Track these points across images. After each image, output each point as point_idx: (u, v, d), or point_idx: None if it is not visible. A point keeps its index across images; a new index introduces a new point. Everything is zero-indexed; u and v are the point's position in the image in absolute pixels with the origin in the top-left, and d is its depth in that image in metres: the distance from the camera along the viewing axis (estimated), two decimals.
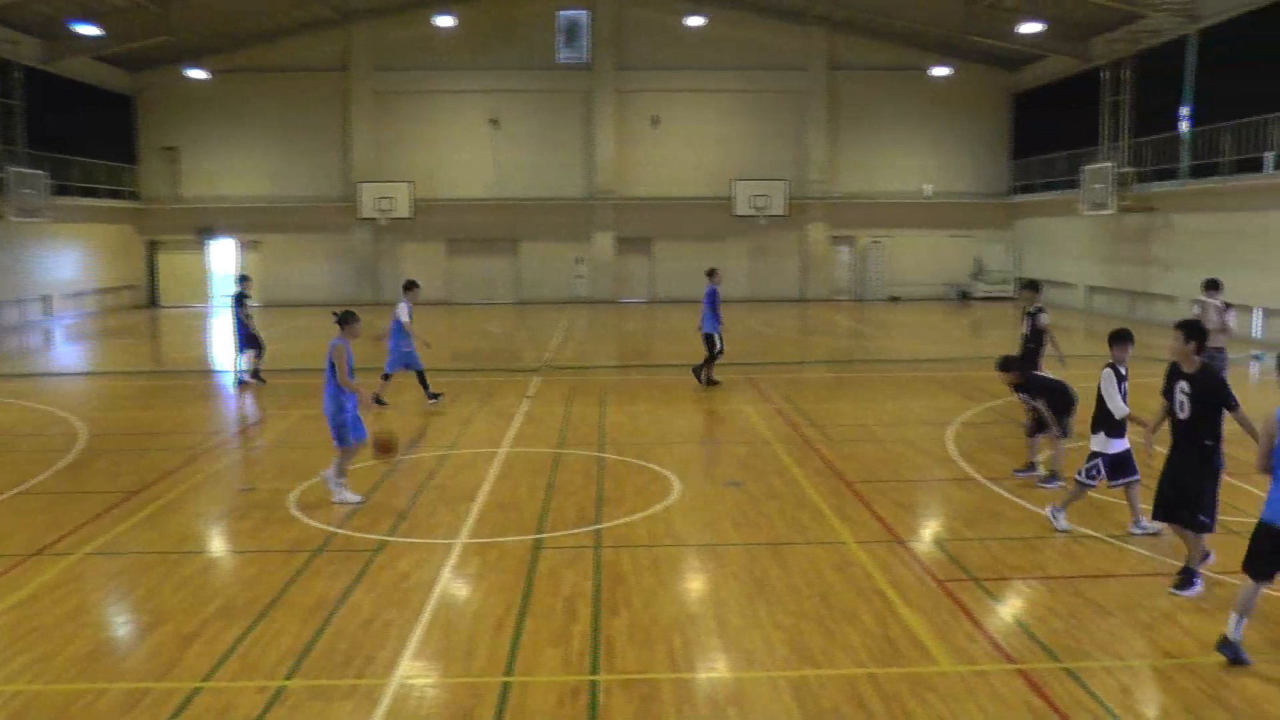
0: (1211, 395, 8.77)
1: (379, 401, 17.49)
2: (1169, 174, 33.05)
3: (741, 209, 43.65)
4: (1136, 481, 10.55)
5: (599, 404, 18.42)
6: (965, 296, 45.14)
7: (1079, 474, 10.68)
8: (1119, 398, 10.38)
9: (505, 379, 21.55)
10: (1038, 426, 12.74)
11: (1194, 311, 16.11)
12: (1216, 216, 30.84)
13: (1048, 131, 41.89)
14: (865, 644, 7.80)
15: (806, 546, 10.20)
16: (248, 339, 20.85)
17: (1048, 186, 41.80)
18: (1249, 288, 28.08)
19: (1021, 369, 12.86)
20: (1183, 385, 8.92)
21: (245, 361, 21.06)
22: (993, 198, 46.16)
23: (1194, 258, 31.62)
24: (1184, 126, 32.79)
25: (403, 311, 18.15)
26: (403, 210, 42.91)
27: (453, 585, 9.17)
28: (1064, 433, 12.57)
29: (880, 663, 7.47)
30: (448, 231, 44.16)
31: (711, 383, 20.23)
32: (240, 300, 20.86)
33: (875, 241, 45.62)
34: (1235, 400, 8.70)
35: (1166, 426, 9.30)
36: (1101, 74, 37.04)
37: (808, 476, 13.08)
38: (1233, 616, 7.44)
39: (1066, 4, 34.65)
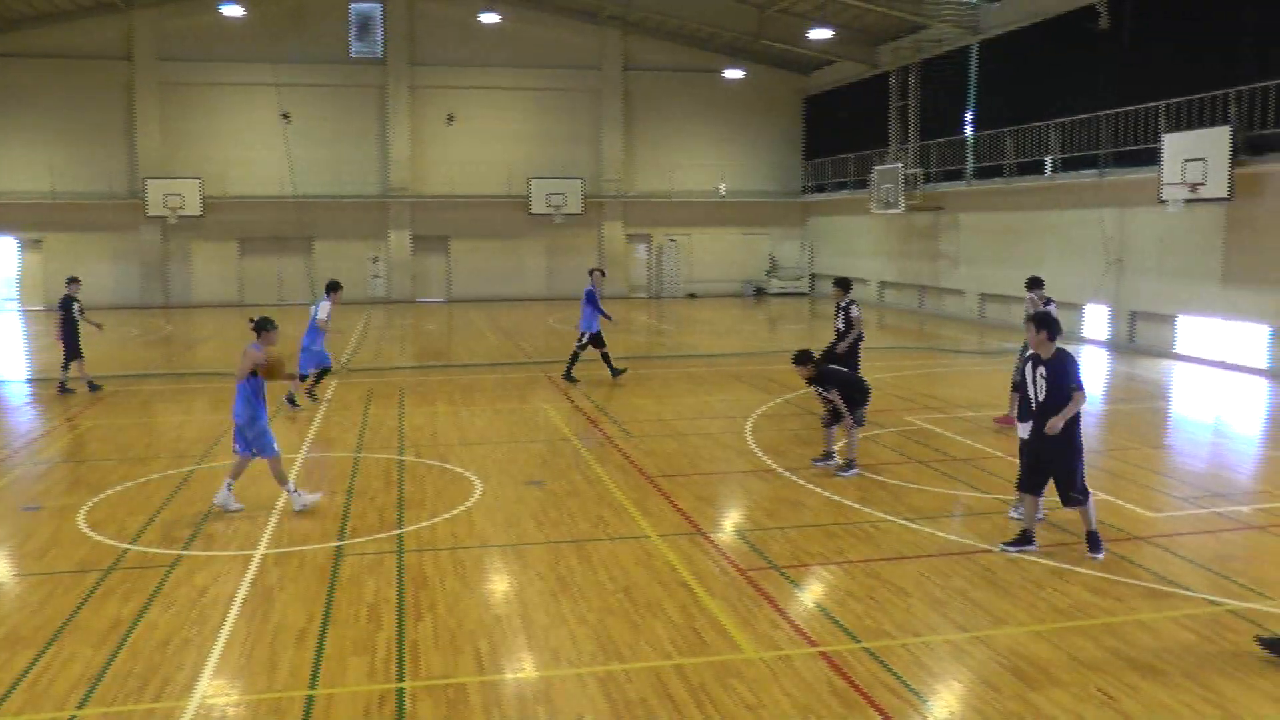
0: (1063, 379, 9.50)
1: (292, 403, 17.65)
2: (955, 175, 34.72)
3: (538, 207, 43.61)
4: None
5: (398, 405, 18.15)
6: (761, 292, 46.21)
7: None
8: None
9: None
10: (833, 417, 13.15)
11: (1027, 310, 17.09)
12: (1000, 215, 32.52)
13: (839, 133, 43.37)
14: (670, 635, 7.90)
15: (609, 542, 10.27)
16: (75, 346, 19.57)
17: (839, 186, 43.26)
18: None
19: (829, 360, 13.34)
20: (1041, 370, 9.64)
21: (75, 370, 19.74)
22: (786, 196, 47.43)
23: (980, 254, 33.27)
24: (968, 130, 34.44)
25: (321, 310, 18.04)
26: (193, 208, 41.06)
27: (252, 598, 8.83)
28: (858, 422, 13.02)
29: (686, 653, 7.57)
30: (240, 230, 42.58)
31: (570, 379, 20.49)
32: (68, 304, 19.61)
33: (671, 240, 46.28)
34: (1081, 384, 9.49)
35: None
36: (890, 79, 38.53)
37: (609, 472, 13.17)
38: None
39: (855, 12, 35.87)
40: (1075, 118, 28.01)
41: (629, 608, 8.48)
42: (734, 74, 44.04)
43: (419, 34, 43.38)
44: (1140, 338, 27.00)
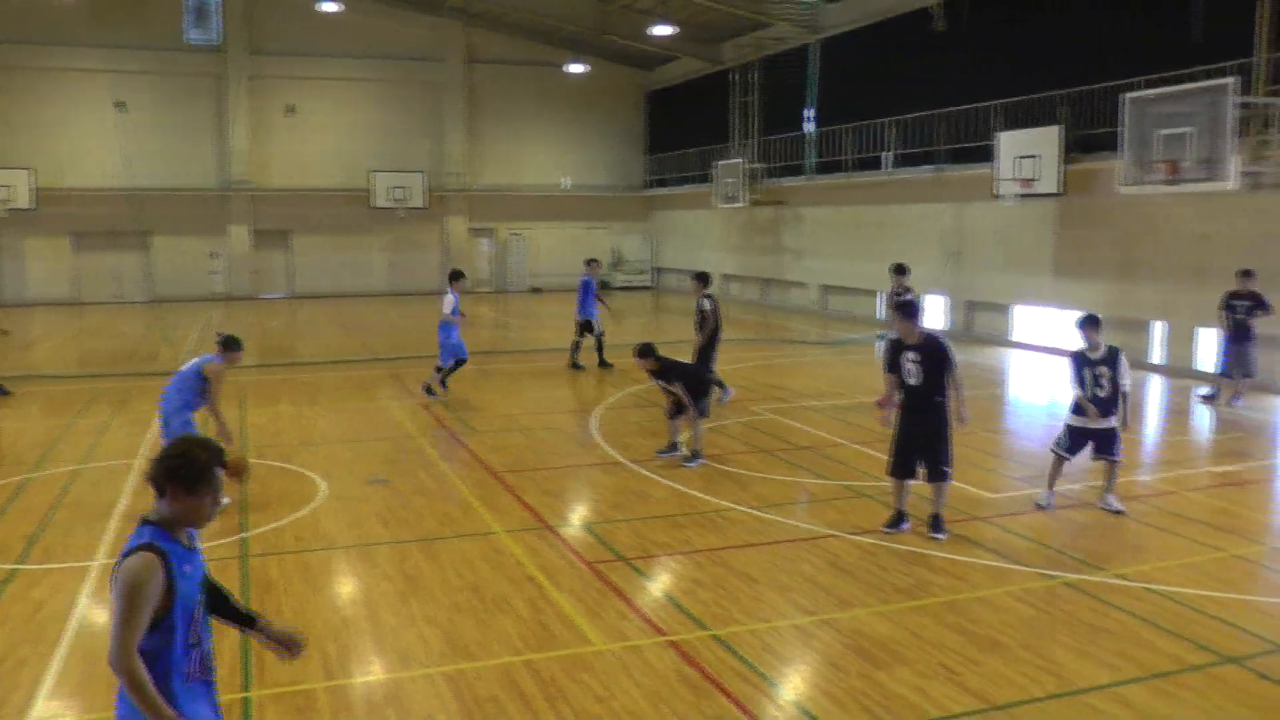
0: (938, 359, 9.97)
1: (429, 392, 18.20)
2: (796, 170, 35.42)
3: (380, 201, 42.90)
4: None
5: (239, 406, 17.62)
6: (605, 286, 46.18)
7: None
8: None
9: (140, 384, 20.15)
10: (677, 409, 13.26)
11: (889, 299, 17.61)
12: (841, 209, 33.25)
13: (682, 128, 43.78)
14: (519, 631, 7.87)
15: (456, 540, 10.17)
16: None
17: (682, 180, 43.65)
18: (873, 274, 30.50)
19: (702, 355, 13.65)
20: (910, 355, 10.06)
21: None
22: (630, 191, 47.68)
23: (822, 248, 33.96)
24: (809, 127, 35.10)
25: (445, 304, 17.85)
26: (23, 200, 38.85)
27: (93, 611, 8.44)
28: (701, 413, 13.17)
29: (535, 648, 7.55)
30: (74, 224, 40.35)
31: (576, 366, 21.11)
32: None
33: (515, 234, 46.06)
34: (955, 362, 10.04)
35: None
36: (731, 76, 39.02)
37: (455, 469, 13.06)
38: None
39: (696, 9, 36.14)
40: (913, 115, 28.85)
41: (477, 605, 8.42)
42: (577, 68, 44.04)
43: (258, 22, 42.06)
44: (978, 327, 27.95)
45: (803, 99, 35.30)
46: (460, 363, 18.37)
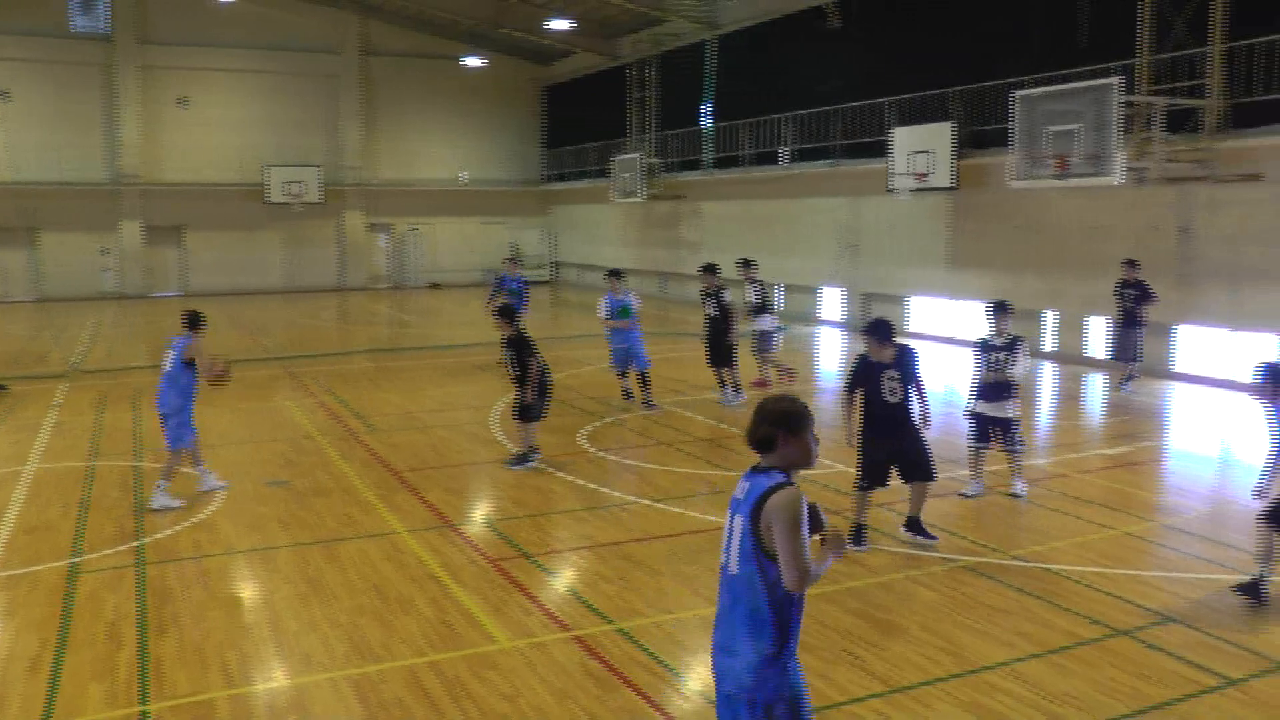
0: (912, 372, 9.89)
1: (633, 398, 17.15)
2: (694, 165, 35.57)
3: (276, 196, 42.11)
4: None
5: (133, 409, 17.20)
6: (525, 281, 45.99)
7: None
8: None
9: (28, 387, 19.59)
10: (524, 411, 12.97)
11: (750, 298, 17.84)
12: (739, 204, 33.52)
13: (580, 122, 43.70)
14: (424, 631, 7.81)
15: (358, 540, 10.05)
16: None
17: (580, 175, 43.61)
18: (771, 268, 30.69)
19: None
20: (890, 373, 9.78)
21: None
22: (527, 185, 47.51)
23: (720, 241, 34.14)
24: (706, 122, 35.28)
25: (601, 308, 17.01)
26: None
27: None
28: (535, 415, 12.94)
29: (440, 648, 7.50)
30: None
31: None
32: None
33: (413, 228, 45.62)
34: (919, 377, 10.04)
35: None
36: (629, 71, 39.06)
37: (355, 469, 12.90)
38: None
39: (594, 4, 36.16)
40: (809, 111, 29.20)
41: (380, 606, 8.34)
42: (474, 62, 43.75)
43: (148, 9, 40.85)
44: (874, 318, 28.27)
45: (700, 94, 35.51)
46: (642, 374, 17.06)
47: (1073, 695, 6.77)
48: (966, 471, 11.78)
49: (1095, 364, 21.57)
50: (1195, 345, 19.85)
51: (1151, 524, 10.70)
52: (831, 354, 24.75)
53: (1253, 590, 8.30)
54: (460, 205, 45.98)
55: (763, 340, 18.15)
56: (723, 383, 17.12)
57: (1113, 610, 8.24)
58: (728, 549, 4.64)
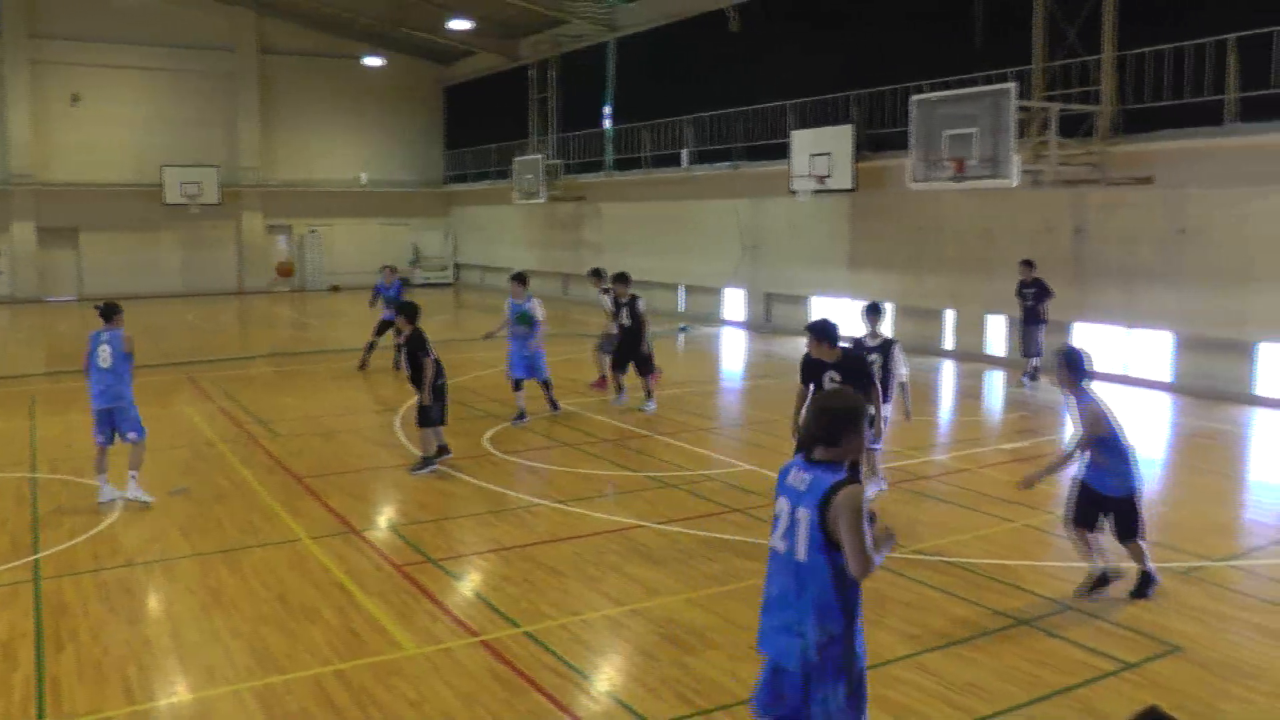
0: (861, 376, 10.05)
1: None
2: (595, 166, 35.59)
3: (173, 197, 41.00)
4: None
5: (28, 416, 16.71)
6: (406, 283, 45.49)
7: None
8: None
9: None
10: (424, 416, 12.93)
11: (608, 307, 17.82)
12: (641, 205, 33.59)
13: (481, 123, 43.53)
14: (328, 640, 7.70)
15: (260, 548, 9.88)
16: None
17: (481, 176, 43.44)
18: (674, 269, 31.00)
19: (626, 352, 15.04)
20: (832, 374, 10.04)
21: None
22: (428, 186, 47.20)
23: (622, 243, 34.24)
24: (607, 124, 35.29)
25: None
26: None
27: None
28: (435, 419, 12.89)
29: (345, 656, 7.41)
30: None
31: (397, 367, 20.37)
32: None
33: (313, 231, 44.97)
34: (875, 379, 10.32)
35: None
36: (530, 72, 38.95)
37: (257, 476, 12.68)
38: None
39: (494, 5, 35.90)
40: (709, 113, 29.40)
41: (284, 615, 8.20)
42: (374, 62, 43.30)
43: (39, 3, 39.52)
44: (776, 318, 28.62)
45: (601, 96, 35.57)
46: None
47: (975, 685, 6.91)
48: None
49: (995, 361, 22.05)
50: (1091, 342, 20.35)
51: (1050, 516, 10.92)
52: (733, 355, 24.93)
53: (1102, 581, 8.48)
54: (361, 206, 45.48)
55: (606, 343, 18.28)
56: (620, 388, 17.01)
57: (1013, 600, 8.43)
58: (790, 536, 5.01)
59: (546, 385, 16.23)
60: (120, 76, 41.33)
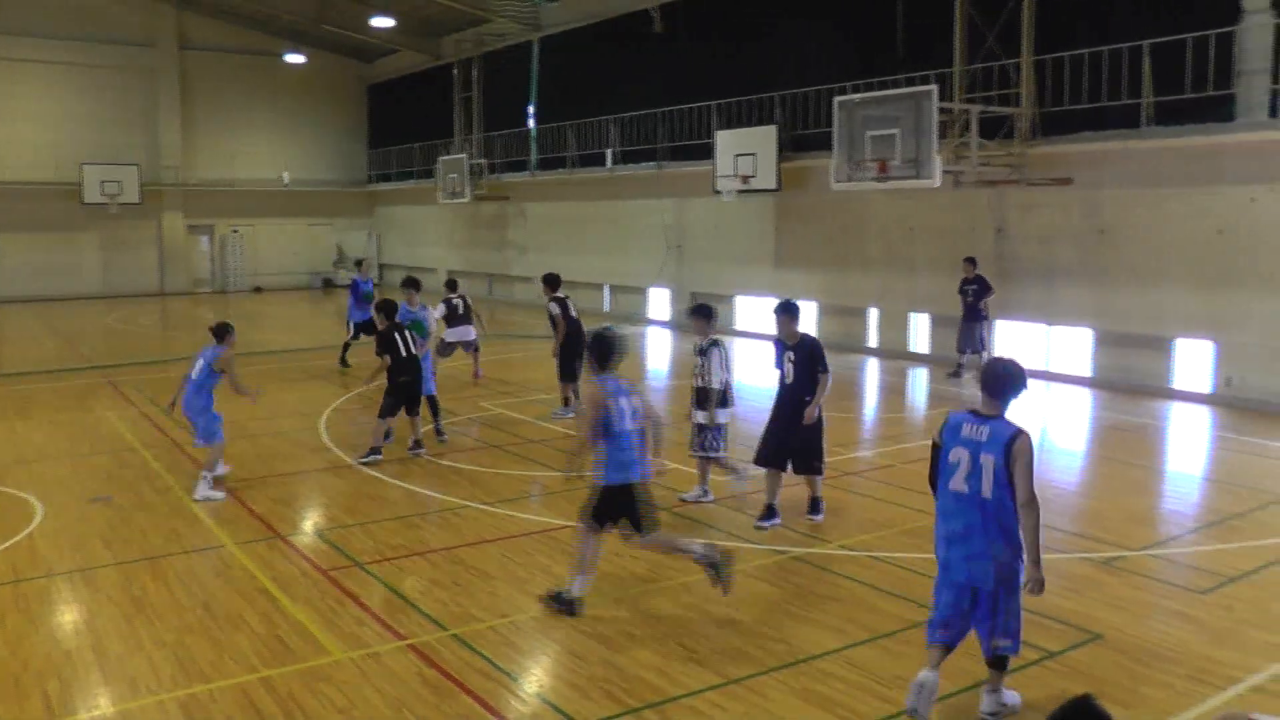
0: (815, 361, 10.23)
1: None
2: (520, 166, 35.45)
3: (92, 196, 40.16)
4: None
5: None
6: (329, 284, 45.22)
7: (694, 449, 11.30)
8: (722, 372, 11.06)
9: None
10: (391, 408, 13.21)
11: (440, 312, 18.72)
12: (566, 205, 33.60)
13: (404, 122, 43.22)
14: (254, 647, 7.62)
15: (185, 556, 9.74)
16: None
17: (405, 175, 43.14)
18: (599, 269, 31.05)
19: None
20: (789, 355, 10.33)
21: None
22: (352, 186, 46.80)
23: (547, 243, 34.27)
24: (531, 123, 35.21)
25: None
26: None
27: None
28: (384, 411, 13.16)
29: (272, 664, 7.33)
30: None
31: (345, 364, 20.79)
32: None
33: (235, 230, 44.37)
34: (828, 365, 10.31)
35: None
36: (453, 71, 38.76)
37: (180, 482, 12.47)
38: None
39: (416, 2, 35.69)
40: (634, 114, 29.45)
41: (210, 624, 8.09)
42: (296, 59, 42.87)
43: None
44: None
45: (526, 95, 35.48)
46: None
47: (903, 677, 6.99)
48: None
49: (918, 359, 22.36)
50: (1012, 339, 20.71)
51: None
52: (658, 354, 25.00)
53: (567, 606, 8.19)
54: (283, 206, 44.96)
55: (467, 346, 19.32)
56: (567, 400, 16.80)
57: None
58: (975, 478, 6.22)
59: (434, 407, 14.75)
60: (35, 71, 40.41)
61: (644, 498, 8.19)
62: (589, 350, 8.37)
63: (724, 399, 11.07)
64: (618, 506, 8.10)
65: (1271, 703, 5.74)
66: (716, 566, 8.13)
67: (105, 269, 41.82)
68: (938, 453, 6.52)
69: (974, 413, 6.33)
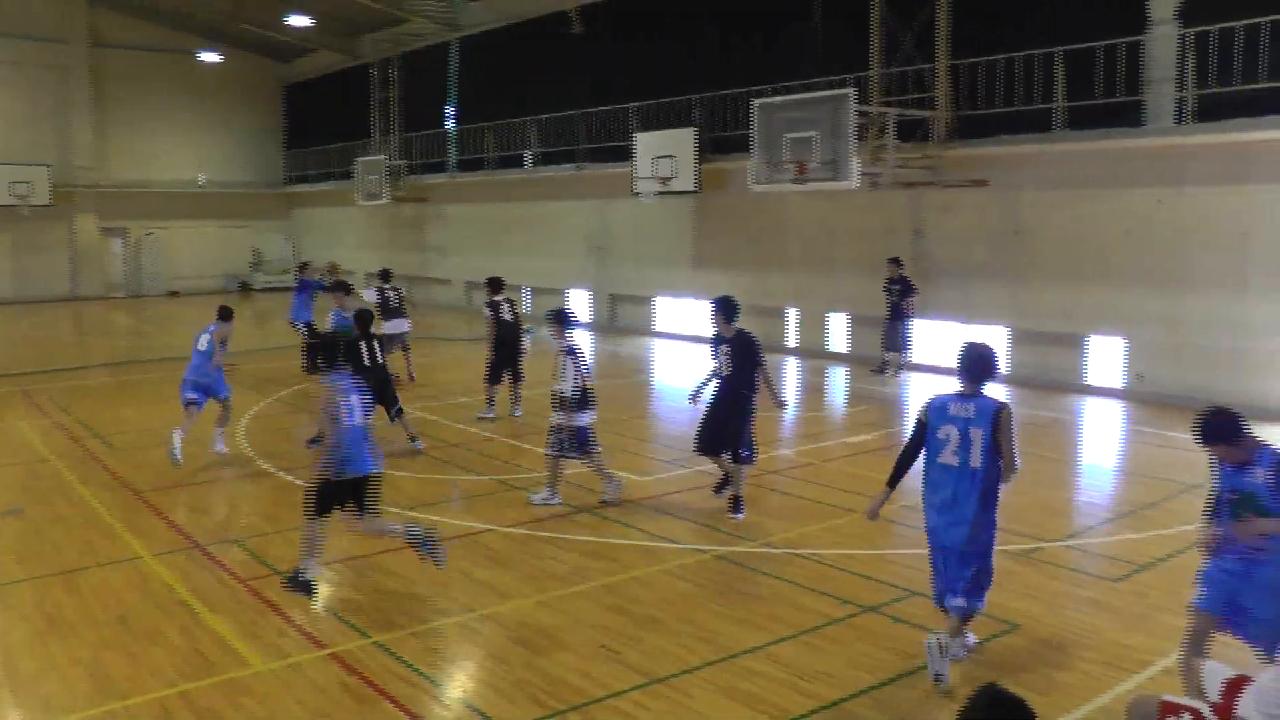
0: (749, 355, 10.69)
1: None
2: (439, 167, 35.23)
3: (1, 198, 38.98)
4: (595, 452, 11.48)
5: None
6: (246, 287, 44.60)
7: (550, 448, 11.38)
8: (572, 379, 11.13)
9: None
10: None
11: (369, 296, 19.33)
12: (486, 206, 33.50)
13: (322, 123, 42.73)
14: (173, 661, 7.49)
15: (100, 569, 9.52)
16: None
17: (323, 177, 42.66)
18: (519, 270, 30.96)
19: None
20: (724, 348, 10.76)
21: None
22: (269, 187, 46.20)
23: (467, 245, 34.14)
24: (450, 124, 34.98)
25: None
26: None
27: None
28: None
29: (191, 677, 7.20)
30: None
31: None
32: None
33: (149, 233, 43.54)
34: (763, 360, 10.80)
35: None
36: (371, 71, 38.40)
37: (95, 493, 12.23)
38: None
39: (334, 1, 35.30)
40: (553, 115, 29.41)
41: (126, 638, 7.92)
42: (211, 58, 42.05)
43: None
44: (622, 318, 28.84)
45: (445, 96, 35.27)
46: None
47: (825, 672, 7.12)
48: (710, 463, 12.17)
49: (837, 358, 22.60)
50: (931, 338, 21.01)
51: (894, 506, 11.17)
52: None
53: (303, 587, 8.66)
54: (199, 208, 44.19)
55: (398, 341, 19.26)
56: (491, 401, 16.66)
57: (860, 589, 8.72)
58: (964, 451, 6.96)
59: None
60: None
61: (371, 488, 8.76)
62: (319, 352, 9.19)
63: (585, 401, 11.25)
64: (346, 494, 8.64)
65: (1181, 684, 5.91)
66: (424, 542, 8.72)
67: (15, 273, 40.69)
68: (923, 430, 7.20)
69: (957, 394, 7.10)
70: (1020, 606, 8.28)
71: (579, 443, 11.22)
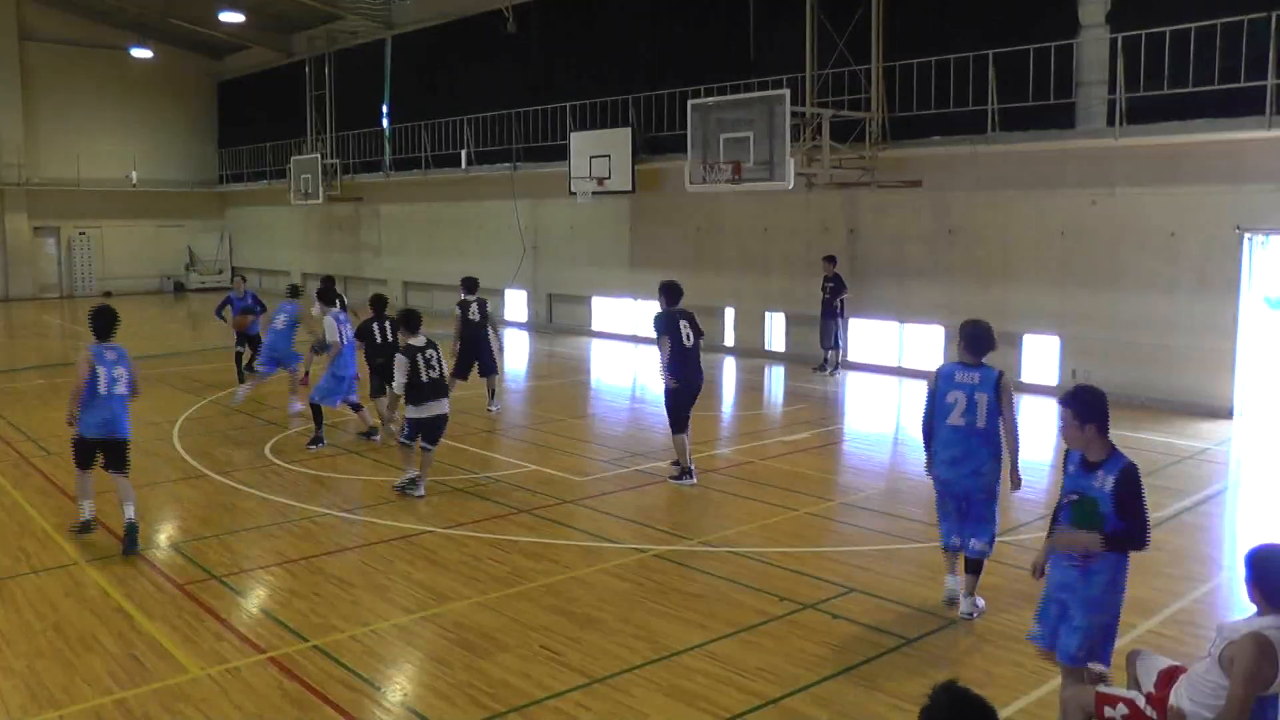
0: (695, 325, 12.21)
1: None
2: (374, 166, 34.97)
3: None
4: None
5: None
6: (180, 288, 44.04)
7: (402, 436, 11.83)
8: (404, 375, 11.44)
9: None
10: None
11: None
12: (421, 206, 33.39)
13: (256, 121, 42.22)
14: (109, 669, 7.39)
15: (34, 576, 9.37)
16: None
17: (257, 176, 42.18)
18: (454, 270, 30.69)
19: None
20: (684, 322, 12.07)
21: None
22: (203, 186, 45.59)
23: (402, 244, 33.95)
24: (385, 123, 34.75)
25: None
26: None
27: None
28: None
29: (127, 685, 7.12)
30: None
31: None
32: None
33: (82, 233, 42.84)
34: (663, 330, 11.96)
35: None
36: (305, 68, 38.06)
37: (28, 497, 12.07)
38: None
39: None
40: (489, 114, 29.31)
41: (61, 646, 7.80)
42: (143, 53, 41.31)
43: None
44: (558, 318, 28.86)
45: (379, 95, 35.02)
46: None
47: (765, 669, 7.20)
48: (649, 462, 12.29)
49: (775, 357, 22.76)
50: (867, 336, 21.23)
51: (832, 503, 11.46)
52: (516, 355, 24.92)
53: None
54: (132, 207, 43.49)
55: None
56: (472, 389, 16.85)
57: (799, 586, 8.82)
58: (971, 413, 7.91)
59: (315, 410, 14.86)
60: None
61: (122, 447, 10.17)
62: (90, 321, 10.78)
63: (436, 391, 11.70)
64: (98, 451, 10.09)
65: (1113, 675, 6.03)
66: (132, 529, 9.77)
67: None
68: (934, 397, 8.10)
69: (960, 363, 8.06)
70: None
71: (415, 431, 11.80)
